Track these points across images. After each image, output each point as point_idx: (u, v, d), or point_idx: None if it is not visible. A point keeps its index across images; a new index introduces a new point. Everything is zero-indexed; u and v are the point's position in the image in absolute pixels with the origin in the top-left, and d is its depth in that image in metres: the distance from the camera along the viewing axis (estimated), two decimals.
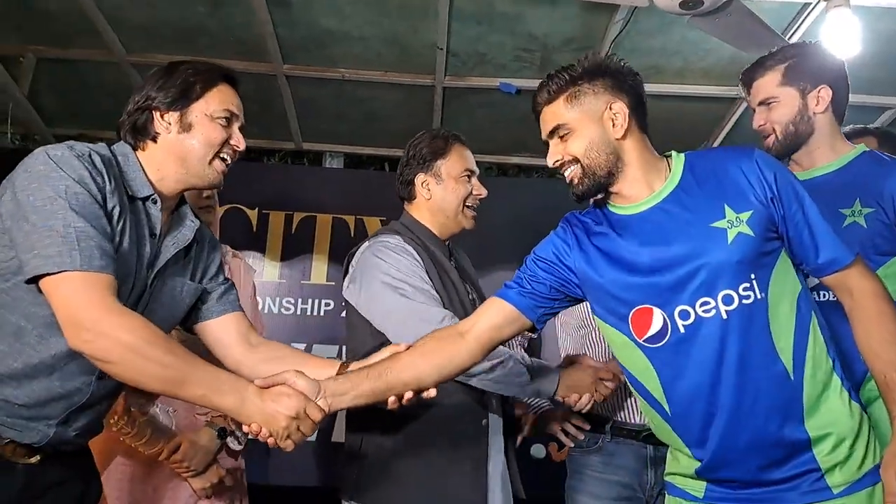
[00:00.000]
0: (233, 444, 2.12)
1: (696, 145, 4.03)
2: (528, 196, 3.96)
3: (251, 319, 2.29)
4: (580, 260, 1.50)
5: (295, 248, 3.84)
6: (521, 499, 1.93)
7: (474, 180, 2.00)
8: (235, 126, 1.58)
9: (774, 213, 1.40)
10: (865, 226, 1.63)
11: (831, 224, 1.44)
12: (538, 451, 2.34)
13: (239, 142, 1.57)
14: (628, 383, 1.54)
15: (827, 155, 1.76)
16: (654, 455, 2.03)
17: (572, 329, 2.25)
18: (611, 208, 1.52)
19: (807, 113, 1.75)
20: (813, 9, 2.92)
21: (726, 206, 1.40)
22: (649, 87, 3.75)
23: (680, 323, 1.38)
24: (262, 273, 3.67)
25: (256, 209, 3.87)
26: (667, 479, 1.54)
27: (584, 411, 1.92)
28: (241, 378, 1.42)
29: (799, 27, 3.01)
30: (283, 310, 3.74)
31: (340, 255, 2.12)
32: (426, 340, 1.55)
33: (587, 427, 2.09)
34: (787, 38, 2.92)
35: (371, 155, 4.32)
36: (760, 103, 1.80)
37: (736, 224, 1.39)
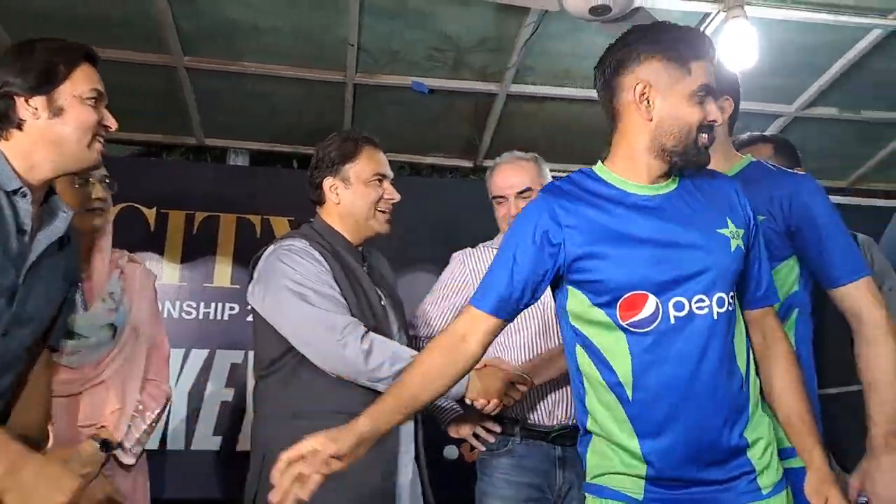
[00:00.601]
0: (124, 458, 2.00)
1: (604, 148, 4.12)
2: (442, 196, 3.94)
3: (153, 330, 2.20)
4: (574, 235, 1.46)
5: (197, 250, 3.66)
6: None
7: (386, 184, 1.97)
8: (102, 105, 1.48)
9: (749, 239, 1.50)
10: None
11: None
12: (451, 452, 2.32)
13: (111, 122, 1.48)
14: (586, 359, 1.48)
15: (721, 164, 1.78)
16: (562, 455, 2.06)
17: None
18: (620, 185, 1.49)
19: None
20: (713, 19, 3.03)
21: (728, 218, 1.47)
22: (560, 91, 3.85)
23: (672, 313, 1.40)
24: (161, 275, 3.47)
25: (154, 208, 3.66)
26: (594, 481, 1.49)
27: (492, 414, 1.93)
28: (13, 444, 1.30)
29: None
30: (184, 314, 3.56)
31: (246, 257, 2.04)
32: (433, 357, 1.49)
33: (498, 430, 2.10)
34: None
35: (279, 152, 4.19)
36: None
37: (735, 237, 1.46)
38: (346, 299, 1.82)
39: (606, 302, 1.42)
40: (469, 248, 2.34)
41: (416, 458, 1.90)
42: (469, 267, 2.28)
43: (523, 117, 3.82)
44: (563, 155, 4.12)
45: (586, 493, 1.50)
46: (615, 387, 1.43)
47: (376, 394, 1.72)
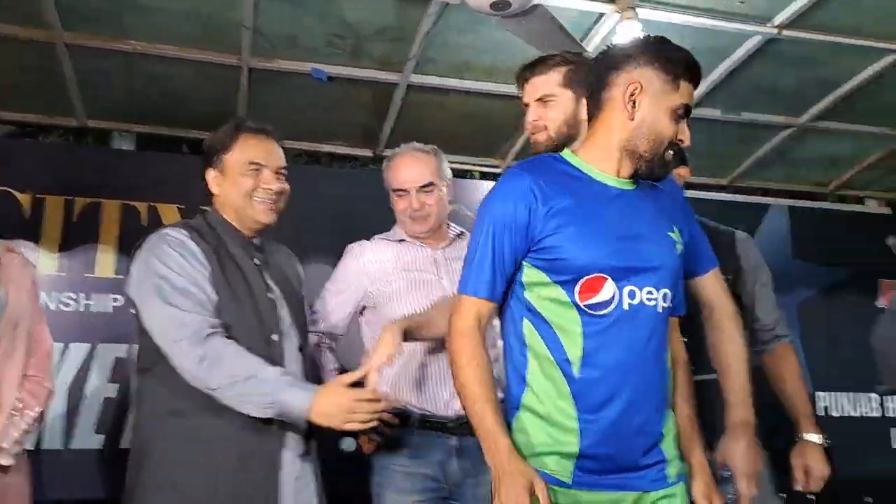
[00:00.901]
0: (1, 459, 1.89)
1: (502, 142, 4.20)
2: (341, 185, 3.88)
3: (33, 324, 2.09)
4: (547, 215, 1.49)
5: (77, 238, 3.44)
6: None
7: (265, 173, 1.89)
8: None
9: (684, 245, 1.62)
10: None
11: None
12: (349, 444, 2.30)
13: None
14: (534, 333, 1.50)
15: None
16: (459, 446, 2.07)
17: (378, 328, 2.22)
18: (587, 172, 1.54)
19: (578, 117, 1.81)
20: (607, 20, 3.12)
21: (673, 224, 1.58)
22: (460, 83, 3.88)
23: (626, 300, 1.47)
24: (37, 265, 3.25)
25: (29, 193, 3.42)
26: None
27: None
28: None
29: (594, 36, 3.21)
30: (62, 306, 3.35)
31: (131, 246, 1.94)
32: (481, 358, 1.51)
33: (396, 422, 2.08)
34: (584, 46, 3.10)
35: (167, 136, 3.99)
36: (538, 99, 1.85)
37: (678, 241, 1.58)
38: (219, 295, 1.77)
39: (566, 281, 1.47)
40: (364, 241, 2.30)
41: (308, 453, 1.87)
42: (364, 259, 2.24)
43: (424, 108, 3.82)
44: (464, 147, 4.17)
45: None
46: (562, 363, 1.47)
47: None
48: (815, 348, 4.17)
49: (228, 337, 1.73)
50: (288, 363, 1.82)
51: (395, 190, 2.21)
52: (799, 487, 2.08)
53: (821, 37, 3.24)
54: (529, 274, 1.51)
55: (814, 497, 2.15)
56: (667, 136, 1.50)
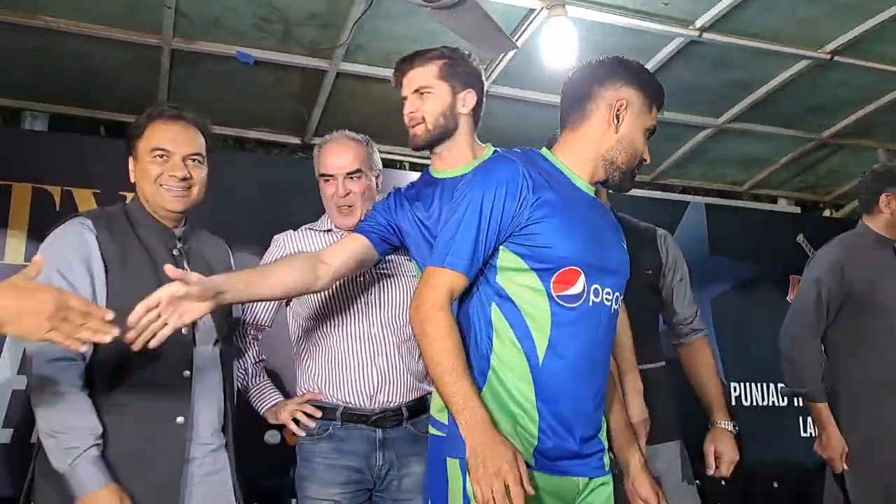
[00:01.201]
0: None
1: None
2: (268, 172, 3.79)
3: None
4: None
5: None
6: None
7: (174, 160, 1.84)
8: None
9: None
10: None
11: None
12: (273, 437, 2.28)
13: None
14: (502, 317, 1.53)
15: (467, 154, 1.91)
16: (383, 438, 2.08)
17: (302, 320, 2.19)
18: (566, 173, 1.64)
19: (454, 110, 1.89)
20: (536, 16, 3.16)
21: (621, 237, 1.72)
22: (391, 72, 3.82)
23: (591, 297, 1.55)
24: None
25: None
26: None
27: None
28: None
29: (524, 32, 3.24)
30: None
31: (43, 231, 1.86)
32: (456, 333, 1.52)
33: (318, 415, 2.09)
34: (514, 40, 3.12)
35: (83, 117, 3.82)
36: (415, 91, 1.90)
37: (625, 252, 1.72)
38: (116, 288, 1.72)
39: (544, 269, 1.52)
40: (290, 231, 2.27)
41: (227, 445, 1.85)
42: (290, 250, 2.21)
43: (354, 96, 3.77)
44: (394, 137, 4.13)
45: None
46: (528, 350, 1.52)
47: (163, 383, 1.73)
48: (729, 340, 4.35)
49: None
50: (199, 358, 1.79)
51: (322, 175, 2.19)
52: (711, 472, 2.18)
53: (739, 41, 3.36)
54: (505, 258, 1.54)
55: (724, 481, 2.26)
56: (640, 151, 1.63)
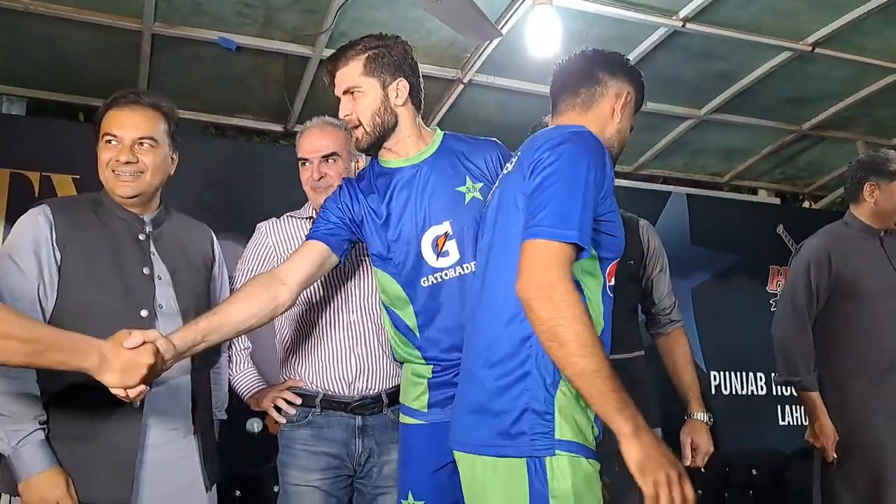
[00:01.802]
0: None
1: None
2: (249, 160, 3.77)
3: None
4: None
5: None
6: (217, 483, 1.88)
7: (121, 145, 1.81)
8: None
9: None
10: (482, 198, 1.80)
11: (454, 202, 1.79)
12: (254, 425, 2.28)
13: None
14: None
15: (417, 143, 1.85)
16: (362, 425, 2.08)
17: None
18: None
19: (388, 104, 1.79)
20: (521, 4, 3.15)
21: None
22: None
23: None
24: None
25: None
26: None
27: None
28: (92, 338, 1.46)
29: (509, 20, 3.23)
30: None
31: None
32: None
33: (298, 402, 2.09)
34: (500, 29, 3.12)
35: (62, 102, 3.77)
36: (345, 92, 1.81)
37: None
38: (64, 271, 1.72)
39: (607, 259, 1.53)
40: (273, 219, 2.27)
41: (196, 431, 1.84)
42: (273, 238, 2.21)
43: None
44: None
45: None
46: None
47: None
48: (709, 329, 4.40)
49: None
50: None
51: (300, 159, 2.18)
52: (686, 462, 2.21)
53: (722, 32, 3.38)
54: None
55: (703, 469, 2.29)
56: (625, 144, 1.70)
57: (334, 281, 2.13)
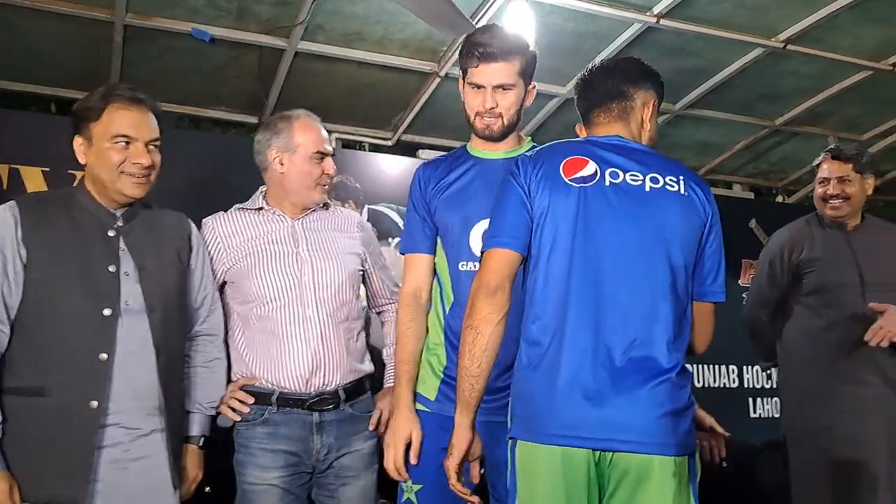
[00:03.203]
0: None
1: (393, 115, 4.17)
2: (224, 152, 3.71)
3: None
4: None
5: None
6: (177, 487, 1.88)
7: (135, 146, 1.82)
8: None
9: None
10: None
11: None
12: (224, 420, 2.27)
13: None
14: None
15: (513, 141, 2.03)
16: (319, 421, 2.07)
17: (237, 304, 2.17)
18: None
19: (523, 105, 1.99)
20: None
21: None
22: (352, 53, 3.81)
23: None
24: None
25: None
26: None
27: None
28: None
29: (484, 14, 3.23)
30: None
31: None
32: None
33: (251, 401, 2.07)
34: (475, 24, 3.11)
35: (33, 94, 3.71)
36: (497, 86, 1.90)
37: None
38: (30, 268, 1.72)
39: None
40: (220, 213, 2.23)
41: (163, 429, 1.83)
42: (219, 233, 2.18)
43: (313, 76, 3.73)
44: (354, 118, 4.12)
45: None
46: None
47: (77, 369, 1.71)
48: None
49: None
50: (125, 339, 1.77)
51: (318, 152, 2.18)
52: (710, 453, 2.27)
53: (695, 28, 3.40)
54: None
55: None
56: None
57: (289, 275, 2.11)
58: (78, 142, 1.84)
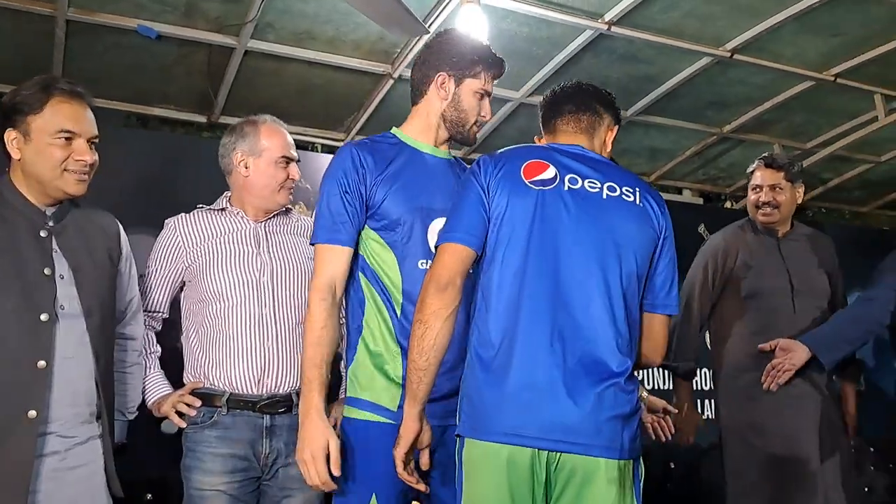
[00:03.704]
0: None
1: (347, 115, 4.13)
2: (172, 151, 3.64)
3: None
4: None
5: None
6: (120, 497, 1.82)
7: (77, 143, 1.76)
8: None
9: None
10: None
11: None
12: (170, 426, 2.23)
13: None
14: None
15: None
16: (270, 425, 2.04)
17: (193, 303, 2.13)
18: None
19: None
20: (449, 2, 3.14)
21: None
22: (303, 53, 3.77)
23: None
24: None
25: None
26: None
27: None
28: None
29: (437, 18, 3.22)
30: None
31: None
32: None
33: (198, 404, 2.03)
34: (427, 27, 3.11)
35: None
36: (488, 94, 1.94)
37: None
38: None
39: None
40: (183, 214, 2.21)
41: (101, 436, 1.78)
42: (180, 233, 2.15)
43: (264, 75, 3.68)
44: (305, 118, 4.07)
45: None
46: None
47: (16, 374, 1.64)
48: None
49: None
50: (63, 345, 1.70)
51: (284, 157, 2.19)
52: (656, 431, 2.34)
53: (645, 35, 3.45)
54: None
55: None
56: None
57: (247, 275, 2.08)
58: (10, 135, 1.74)
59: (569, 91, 1.86)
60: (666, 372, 4.61)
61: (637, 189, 1.71)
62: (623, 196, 1.67)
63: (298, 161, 2.24)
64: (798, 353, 2.53)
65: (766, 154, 2.97)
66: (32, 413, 1.64)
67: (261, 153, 2.16)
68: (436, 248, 1.67)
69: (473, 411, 1.58)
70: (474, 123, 1.91)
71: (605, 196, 1.66)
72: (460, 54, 1.88)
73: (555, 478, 1.53)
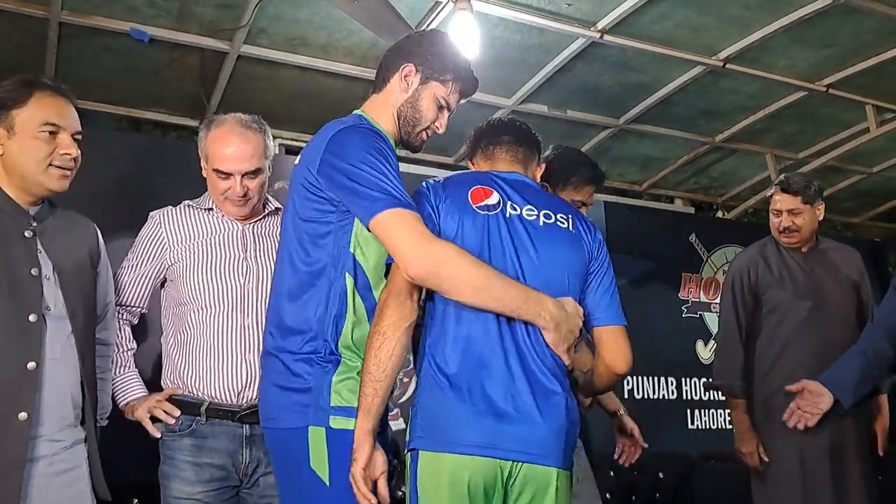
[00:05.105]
0: None
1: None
2: (163, 155, 3.62)
3: None
4: None
5: None
6: (108, 501, 1.79)
7: (62, 137, 1.73)
8: None
9: None
10: None
11: None
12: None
13: None
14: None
15: None
16: (249, 434, 1.99)
17: (175, 306, 2.09)
18: None
19: None
20: (442, 9, 3.16)
21: None
22: (295, 59, 3.77)
23: None
24: None
25: None
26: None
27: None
28: None
29: (429, 24, 3.23)
30: None
31: None
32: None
33: (176, 412, 1.98)
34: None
35: None
36: (450, 109, 1.87)
37: None
38: None
39: None
40: (169, 207, 2.13)
41: (85, 440, 1.76)
42: (165, 228, 2.08)
43: (257, 80, 3.68)
44: (301, 123, 4.07)
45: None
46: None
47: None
48: None
49: None
50: (50, 346, 1.68)
51: (217, 170, 2.04)
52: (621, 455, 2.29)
53: (638, 44, 3.47)
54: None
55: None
56: None
57: (232, 283, 2.03)
58: None
59: (507, 123, 1.97)
60: (657, 379, 4.61)
61: (570, 216, 1.81)
62: (558, 223, 1.77)
63: (254, 175, 2.05)
64: (825, 400, 2.51)
65: (783, 177, 2.92)
66: (23, 415, 1.61)
67: (206, 157, 2.10)
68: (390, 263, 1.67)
69: (429, 424, 1.61)
70: (425, 129, 1.81)
71: (541, 223, 1.75)
72: (437, 54, 1.81)
73: (510, 488, 1.60)
